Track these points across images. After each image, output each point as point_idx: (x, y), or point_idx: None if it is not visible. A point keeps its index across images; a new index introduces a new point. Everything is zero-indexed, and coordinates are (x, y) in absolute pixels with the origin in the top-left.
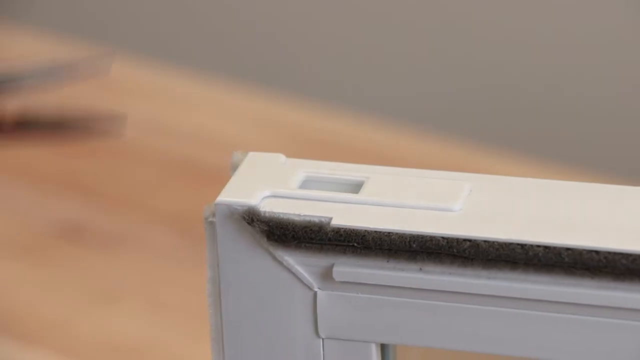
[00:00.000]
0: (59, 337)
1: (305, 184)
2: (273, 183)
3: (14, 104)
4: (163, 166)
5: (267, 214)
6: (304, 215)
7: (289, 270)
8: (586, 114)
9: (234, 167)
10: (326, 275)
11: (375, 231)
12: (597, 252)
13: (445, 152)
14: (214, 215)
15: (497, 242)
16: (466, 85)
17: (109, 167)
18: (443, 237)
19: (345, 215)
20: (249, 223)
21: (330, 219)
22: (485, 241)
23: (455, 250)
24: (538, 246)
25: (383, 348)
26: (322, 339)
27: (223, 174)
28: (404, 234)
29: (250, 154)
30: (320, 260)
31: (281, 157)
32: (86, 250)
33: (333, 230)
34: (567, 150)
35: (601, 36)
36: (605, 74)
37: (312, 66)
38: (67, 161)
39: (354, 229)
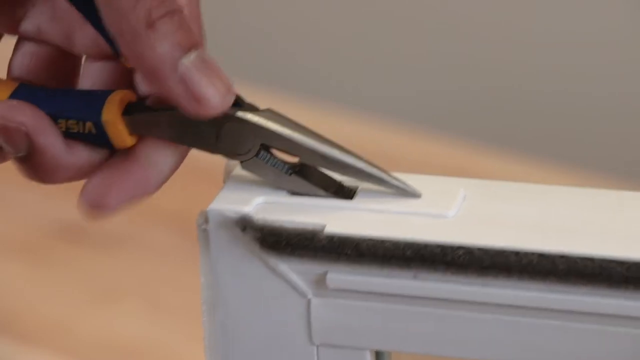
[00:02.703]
0: (59, 337)
1: None
2: (266, 189)
3: None
4: None
5: (260, 221)
6: (298, 222)
7: (282, 277)
8: (586, 114)
9: (227, 174)
10: (320, 283)
11: (369, 238)
12: (592, 259)
13: (445, 152)
14: (207, 222)
15: (491, 249)
16: (466, 85)
17: None
18: (437, 245)
19: (339, 222)
20: (242, 230)
21: (324, 226)
22: (479, 248)
23: (449, 258)
24: (532, 253)
25: (377, 355)
26: (317, 345)
27: (223, 174)
28: (398, 241)
29: None
30: (314, 268)
31: None
32: (86, 250)
33: (326, 238)
34: (567, 150)
35: (601, 36)
36: (605, 74)
37: (311, 66)
38: None
39: (347, 237)
